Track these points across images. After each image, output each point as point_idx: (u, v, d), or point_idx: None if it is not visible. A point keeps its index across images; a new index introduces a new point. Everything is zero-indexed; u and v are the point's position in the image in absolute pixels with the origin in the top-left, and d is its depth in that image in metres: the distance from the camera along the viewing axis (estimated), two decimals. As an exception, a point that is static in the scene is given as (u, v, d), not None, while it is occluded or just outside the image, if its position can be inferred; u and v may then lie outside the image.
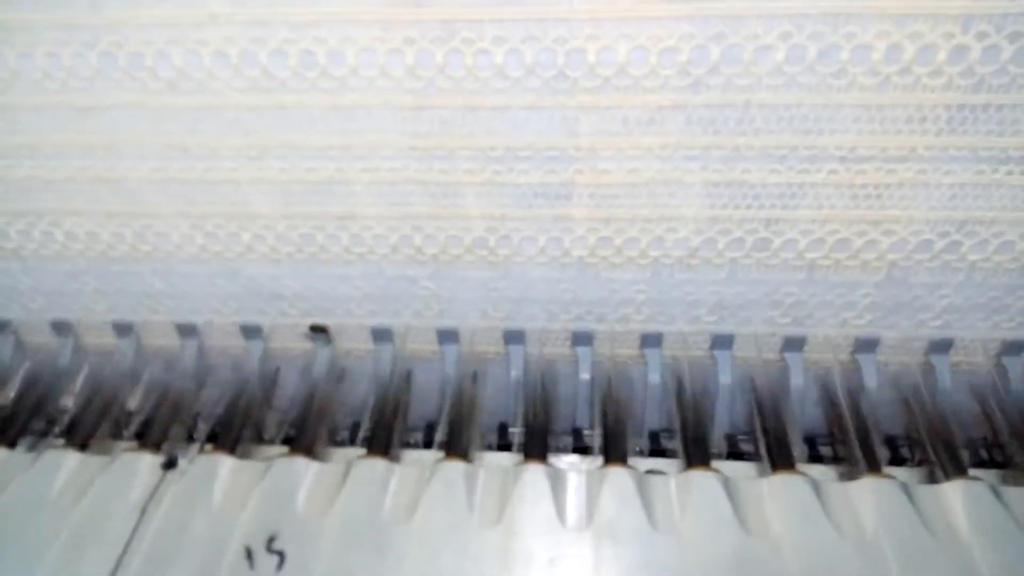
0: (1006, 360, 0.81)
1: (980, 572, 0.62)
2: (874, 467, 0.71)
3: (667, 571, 0.64)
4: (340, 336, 0.88)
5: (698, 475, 0.70)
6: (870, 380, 0.82)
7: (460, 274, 0.81)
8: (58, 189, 0.78)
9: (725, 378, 0.84)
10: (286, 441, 0.83)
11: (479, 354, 0.87)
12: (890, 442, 0.82)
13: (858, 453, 0.73)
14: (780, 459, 0.73)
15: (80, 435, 0.79)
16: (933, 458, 0.73)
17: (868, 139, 0.68)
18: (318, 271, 0.82)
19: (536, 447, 0.75)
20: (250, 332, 0.89)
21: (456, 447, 0.75)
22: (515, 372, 0.86)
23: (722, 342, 0.84)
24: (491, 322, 0.85)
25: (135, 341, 0.90)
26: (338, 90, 0.69)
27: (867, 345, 0.82)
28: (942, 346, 0.81)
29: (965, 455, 0.74)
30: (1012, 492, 0.68)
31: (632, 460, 0.73)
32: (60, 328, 0.90)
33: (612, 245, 0.77)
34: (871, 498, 0.67)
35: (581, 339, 0.86)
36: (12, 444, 0.79)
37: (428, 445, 0.83)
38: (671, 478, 0.71)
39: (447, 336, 0.87)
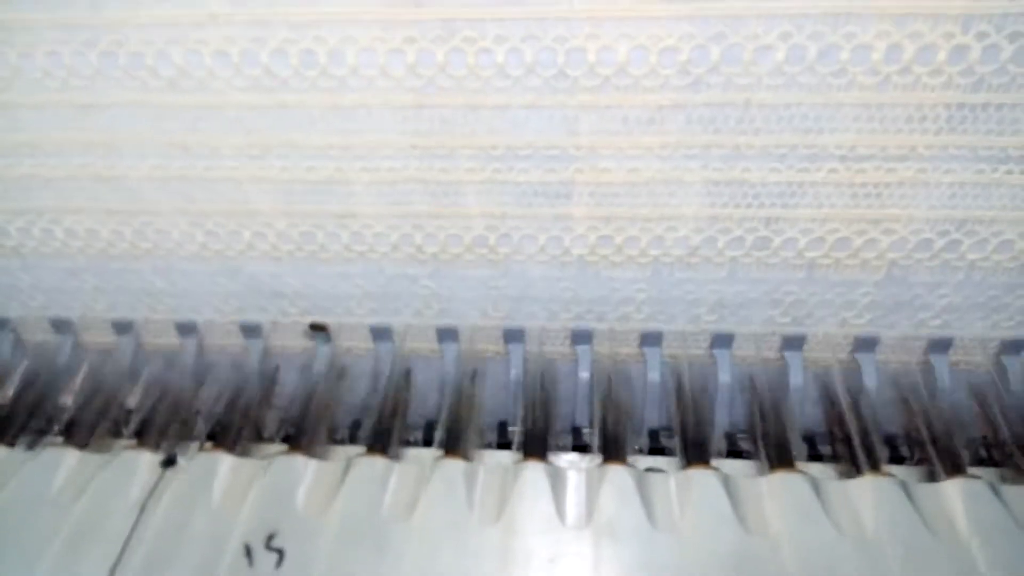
0: (1005, 359, 0.81)
1: (979, 570, 0.62)
2: (874, 465, 0.71)
3: (666, 569, 0.64)
4: (340, 335, 0.88)
5: (697, 473, 0.70)
6: (869, 379, 0.82)
7: (460, 273, 0.81)
8: (58, 187, 0.78)
9: (725, 377, 0.84)
10: (286, 439, 0.83)
11: (479, 352, 0.87)
12: (889, 441, 0.82)
13: (858, 451, 0.73)
14: (779, 457, 0.73)
15: (79, 433, 0.79)
16: (932, 456, 0.73)
17: (868, 138, 0.68)
18: (318, 269, 0.82)
19: (536, 445, 0.75)
20: (250, 330, 0.89)
21: (456, 445, 0.75)
22: (515, 371, 0.86)
23: (722, 341, 0.84)
24: (491, 321, 0.85)
25: (135, 339, 0.90)
26: (339, 89, 0.69)
27: (867, 344, 0.82)
28: (941, 345, 0.82)
29: (965, 454, 0.74)
30: (1011, 490, 0.68)
31: (631, 458, 0.73)
32: (59, 326, 0.90)
33: (612, 244, 0.77)
34: (871, 496, 0.67)
35: (581, 338, 0.86)
36: (11, 442, 0.79)
37: (428, 444, 0.83)
38: (670, 476, 0.71)
39: (447, 335, 0.87)
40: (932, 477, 0.71)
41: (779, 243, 0.75)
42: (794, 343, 0.83)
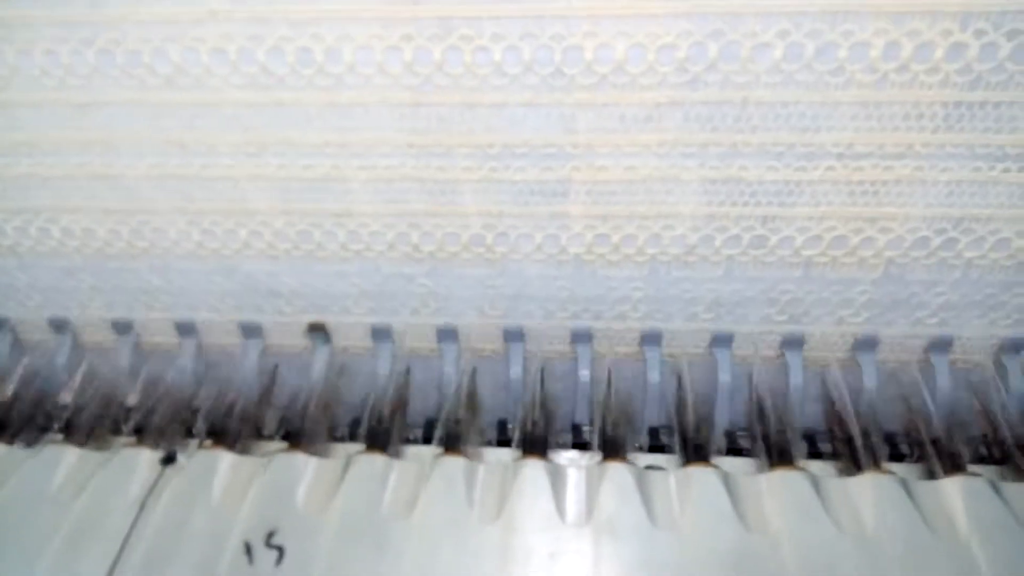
0: (1004, 357, 0.81)
1: (979, 567, 0.62)
2: (874, 463, 0.71)
3: (666, 567, 0.64)
4: (338, 334, 0.88)
5: (697, 471, 0.71)
6: (869, 378, 0.82)
7: (457, 271, 0.81)
8: (55, 186, 0.78)
9: (724, 376, 0.84)
10: (286, 437, 0.83)
11: (477, 351, 0.87)
12: (889, 439, 0.82)
13: (857, 449, 0.73)
14: (779, 455, 0.73)
15: (79, 431, 0.79)
16: (932, 454, 0.73)
17: (865, 136, 0.68)
18: (315, 268, 0.82)
19: (535, 443, 0.75)
20: (249, 330, 0.89)
21: (455, 443, 0.75)
22: (515, 369, 0.86)
23: (721, 340, 0.84)
24: (488, 319, 0.85)
25: (133, 338, 0.90)
26: (336, 87, 0.69)
27: (865, 343, 0.82)
28: (940, 343, 0.82)
29: (964, 451, 0.74)
30: (1011, 488, 0.68)
31: (631, 456, 0.73)
32: (58, 325, 0.90)
33: (609, 242, 0.77)
34: (870, 494, 0.68)
35: (580, 337, 0.86)
36: (11, 440, 0.78)
37: (427, 442, 0.83)
38: (670, 474, 0.71)
39: (445, 334, 0.87)
40: (932, 475, 0.71)
41: (776, 241, 0.75)
42: (793, 342, 0.83)
